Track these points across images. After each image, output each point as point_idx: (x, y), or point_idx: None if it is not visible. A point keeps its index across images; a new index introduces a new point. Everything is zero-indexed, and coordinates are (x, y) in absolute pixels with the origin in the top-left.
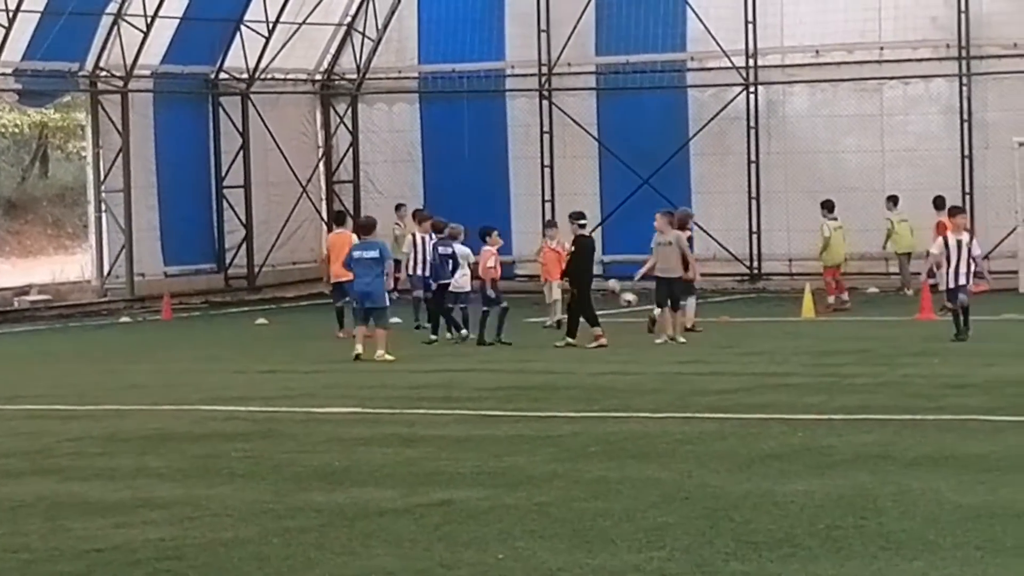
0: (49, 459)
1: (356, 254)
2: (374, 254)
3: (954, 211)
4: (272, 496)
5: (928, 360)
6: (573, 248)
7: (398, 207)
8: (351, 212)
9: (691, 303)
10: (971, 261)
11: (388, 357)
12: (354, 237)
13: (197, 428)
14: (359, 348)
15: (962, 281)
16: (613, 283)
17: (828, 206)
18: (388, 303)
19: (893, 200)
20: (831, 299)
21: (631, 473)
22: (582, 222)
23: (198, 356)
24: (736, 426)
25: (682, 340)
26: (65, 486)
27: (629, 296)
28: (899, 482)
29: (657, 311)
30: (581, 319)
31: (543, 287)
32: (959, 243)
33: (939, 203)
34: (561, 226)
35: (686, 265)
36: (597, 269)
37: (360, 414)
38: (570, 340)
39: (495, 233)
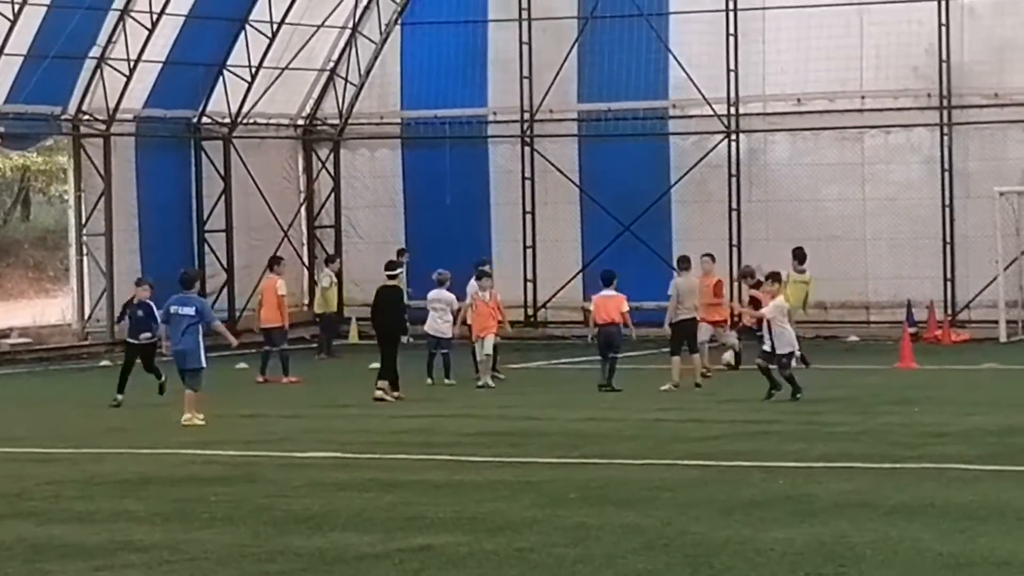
0: (28, 502)
1: (172, 309)
2: (190, 311)
3: (759, 283)
4: (251, 540)
5: (908, 409)
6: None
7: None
8: (332, 257)
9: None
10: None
11: (197, 422)
12: (281, 282)
13: (176, 472)
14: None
15: (784, 349)
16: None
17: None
18: (203, 364)
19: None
20: None
21: (611, 519)
22: (390, 272)
23: (177, 400)
24: (716, 473)
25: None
26: (44, 529)
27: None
28: (879, 530)
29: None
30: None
31: (475, 343)
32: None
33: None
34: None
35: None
36: (578, 316)
37: (339, 459)
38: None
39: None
